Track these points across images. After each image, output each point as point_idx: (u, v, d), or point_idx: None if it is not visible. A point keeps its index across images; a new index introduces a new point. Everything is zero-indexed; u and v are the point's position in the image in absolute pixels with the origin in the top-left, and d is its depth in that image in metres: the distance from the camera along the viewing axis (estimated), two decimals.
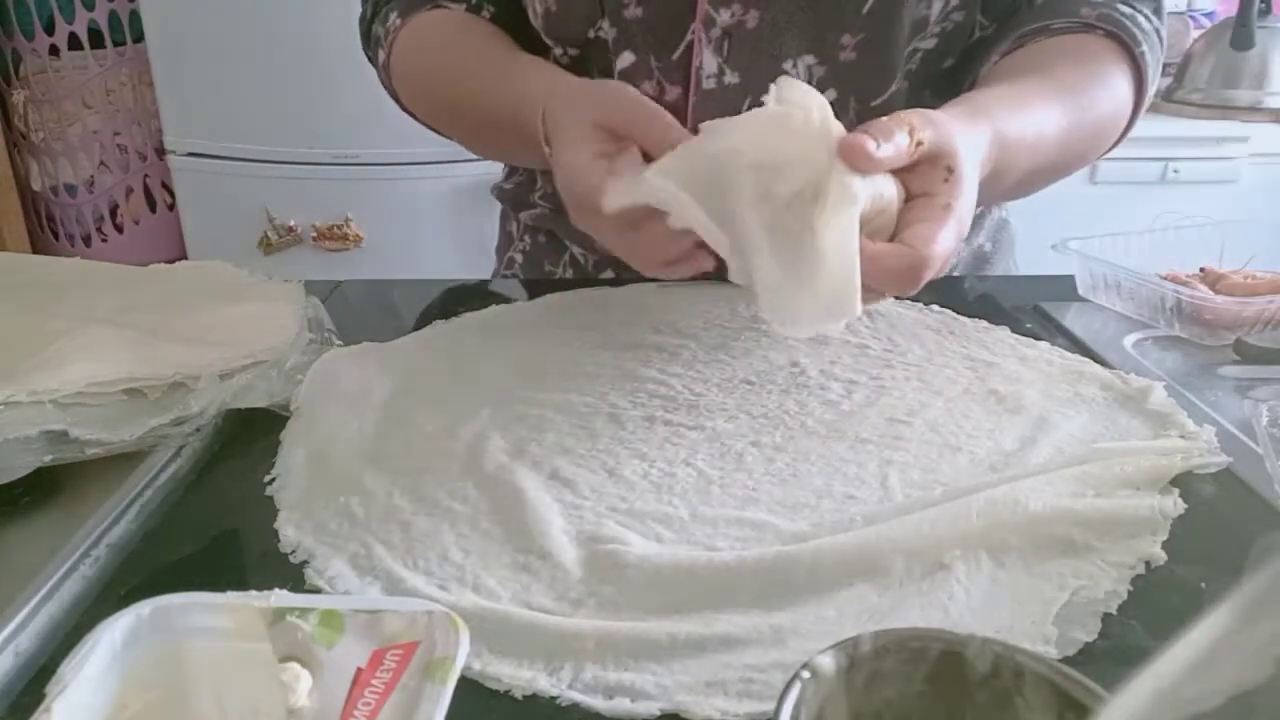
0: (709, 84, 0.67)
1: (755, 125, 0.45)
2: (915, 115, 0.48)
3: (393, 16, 0.75)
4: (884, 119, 0.47)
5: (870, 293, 0.45)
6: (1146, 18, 0.68)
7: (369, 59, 0.80)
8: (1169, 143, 1.74)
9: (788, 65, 0.67)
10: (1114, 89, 0.67)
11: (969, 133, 0.51)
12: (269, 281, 0.68)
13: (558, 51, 0.73)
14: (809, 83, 0.66)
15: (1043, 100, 0.62)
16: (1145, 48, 0.67)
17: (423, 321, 0.67)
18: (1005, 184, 0.60)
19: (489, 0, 0.75)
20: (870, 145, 0.44)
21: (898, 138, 0.46)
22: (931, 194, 0.48)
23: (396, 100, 0.79)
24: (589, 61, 0.72)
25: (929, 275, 0.47)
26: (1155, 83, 0.69)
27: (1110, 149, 0.72)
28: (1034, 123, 0.60)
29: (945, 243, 0.47)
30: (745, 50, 0.66)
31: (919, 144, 0.47)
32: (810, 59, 0.67)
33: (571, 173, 0.52)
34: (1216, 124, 1.75)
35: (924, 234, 0.46)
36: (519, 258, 0.85)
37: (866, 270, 0.44)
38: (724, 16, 0.65)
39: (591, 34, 0.70)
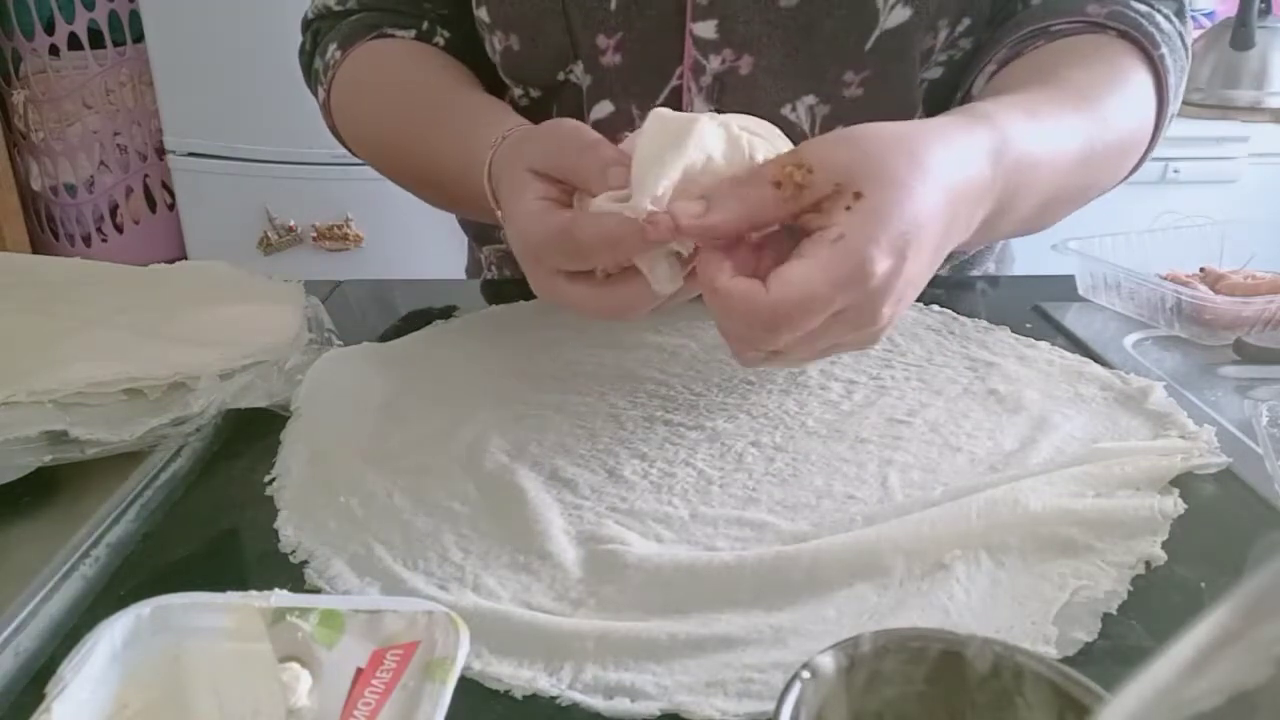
0: None
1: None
2: (805, 149, 0.40)
3: (332, 49, 0.67)
4: (762, 165, 0.40)
5: (738, 342, 0.41)
6: (1167, 18, 0.59)
7: (314, 96, 0.72)
8: (1169, 143, 1.72)
9: (786, 110, 0.62)
10: (1131, 98, 0.56)
11: (934, 149, 0.40)
12: (269, 281, 0.68)
13: (517, 92, 0.67)
14: (812, 122, 0.63)
15: (1053, 110, 0.51)
16: (1165, 50, 0.57)
17: (423, 321, 0.67)
18: (1022, 210, 0.50)
19: (442, 26, 0.67)
20: (680, 217, 0.38)
21: (751, 190, 0.39)
22: (825, 226, 0.39)
23: (344, 145, 0.71)
24: (554, 105, 0.66)
25: (778, 322, 0.38)
26: (1179, 95, 0.60)
27: (1132, 171, 0.62)
28: (1047, 133, 0.49)
29: (807, 283, 0.37)
30: (739, 96, 0.61)
31: (797, 185, 0.38)
32: (811, 99, 0.62)
33: (520, 227, 0.45)
34: (1216, 124, 1.75)
35: (785, 271, 0.38)
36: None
37: (714, 309, 0.40)
38: (714, 63, 0.61)
39: (560, 77, 0.64)
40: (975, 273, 0.79)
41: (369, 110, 0.67)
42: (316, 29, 0.71)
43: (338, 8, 0.69)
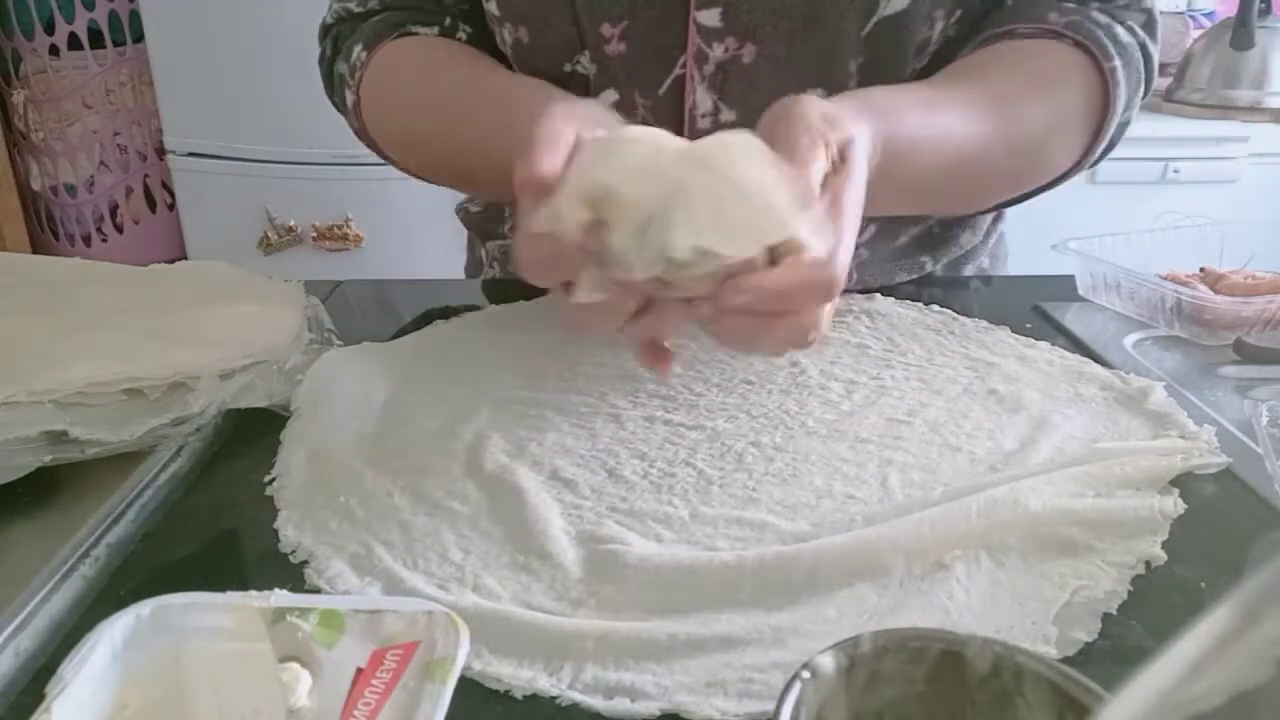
0: (703, 123, 0.63)
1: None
2: (822, 121, 0.43)
3: (357, 50, 0.67)
4: (800, 137, 0.41)
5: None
6: (1130, 30, 0.61)
7: (335, 105, 0.71)
8: (1169, 143, 1.74)
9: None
10: (1061, 103, 0.60)
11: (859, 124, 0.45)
12: (269, 281, 0.68)
13: None
14: None
15: (958, 103, 0.56)
16: (1118, 63, 0.59)
17: (423, 321, 0.67)
18: (897, 188, 0.52)
19: (464, 21, 0.68)
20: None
21: (816, 166, 0.41)
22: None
23: (374, 148, 0.71)
24: None
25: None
26: (1127, 104, 0.61)
27: (1066, 175, 0.64)
28: (939, 124, 0.54)
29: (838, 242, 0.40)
30: (742, 85, 0.62)
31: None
32: (819, 92, 0.60)
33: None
34: (1216, 124, 1.76)
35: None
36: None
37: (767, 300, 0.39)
38: (718, 51, 0.61)
39: (568, 68, 0.64)
40: (969, 269, 0.79)
41: (401, 107, 0.67)
42: (336, 34, 0.70)
43: (358, 9, 0.69)
